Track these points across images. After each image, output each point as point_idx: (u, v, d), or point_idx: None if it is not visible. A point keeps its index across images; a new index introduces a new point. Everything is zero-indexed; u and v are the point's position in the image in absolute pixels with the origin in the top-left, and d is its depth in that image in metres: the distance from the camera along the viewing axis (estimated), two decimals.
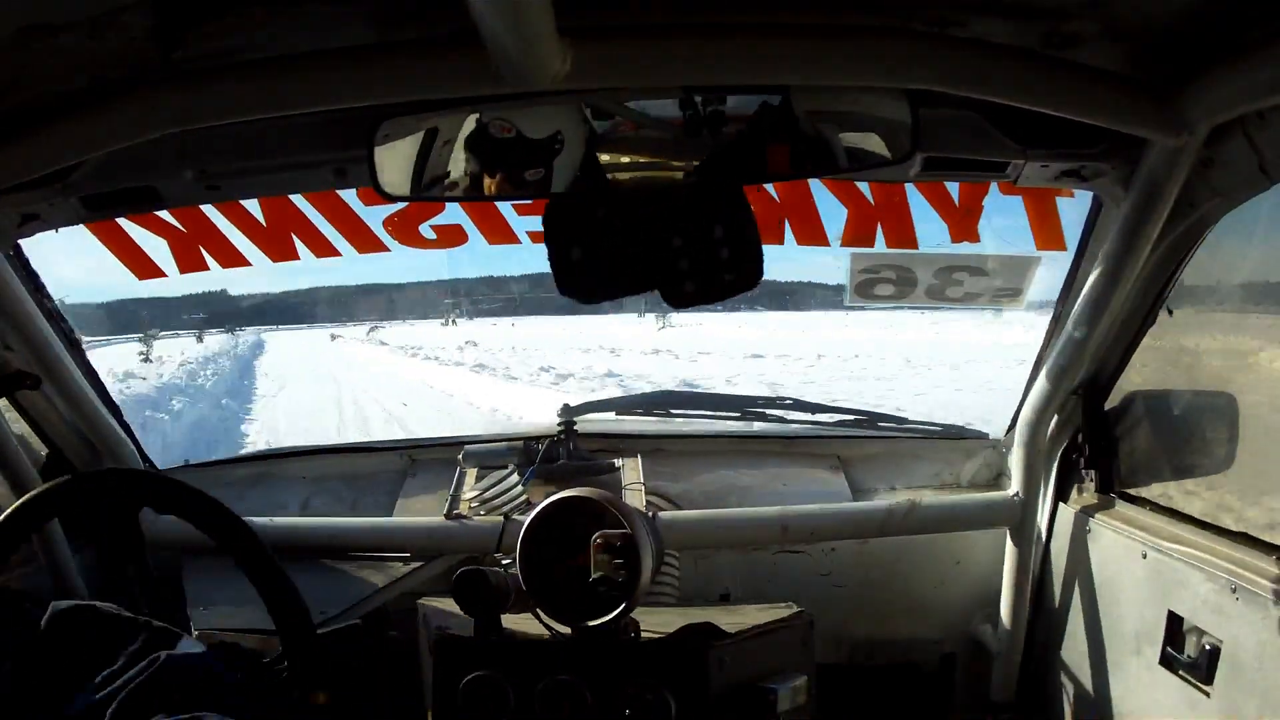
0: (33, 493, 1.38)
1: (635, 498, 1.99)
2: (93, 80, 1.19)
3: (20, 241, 1.62)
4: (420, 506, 2.07)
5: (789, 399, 2.36)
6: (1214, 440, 1.60)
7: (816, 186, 1.83)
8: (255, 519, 1.81)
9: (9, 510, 1.35)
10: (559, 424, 2.13)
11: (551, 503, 1.39)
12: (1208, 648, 1.41)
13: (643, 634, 1.44)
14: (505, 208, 1.89)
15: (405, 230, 1.93)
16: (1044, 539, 1.94)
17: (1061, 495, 1.92)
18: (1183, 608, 1.49)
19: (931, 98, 1.25)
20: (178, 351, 17.59)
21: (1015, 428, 1.94)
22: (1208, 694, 1.41)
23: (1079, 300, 1.64)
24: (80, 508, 1.77)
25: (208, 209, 1.80)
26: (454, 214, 1.92)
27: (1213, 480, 1.58)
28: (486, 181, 1.39)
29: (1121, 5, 1.09)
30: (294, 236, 1.89)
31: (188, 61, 1.17)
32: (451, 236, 1.94)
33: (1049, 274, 1.92)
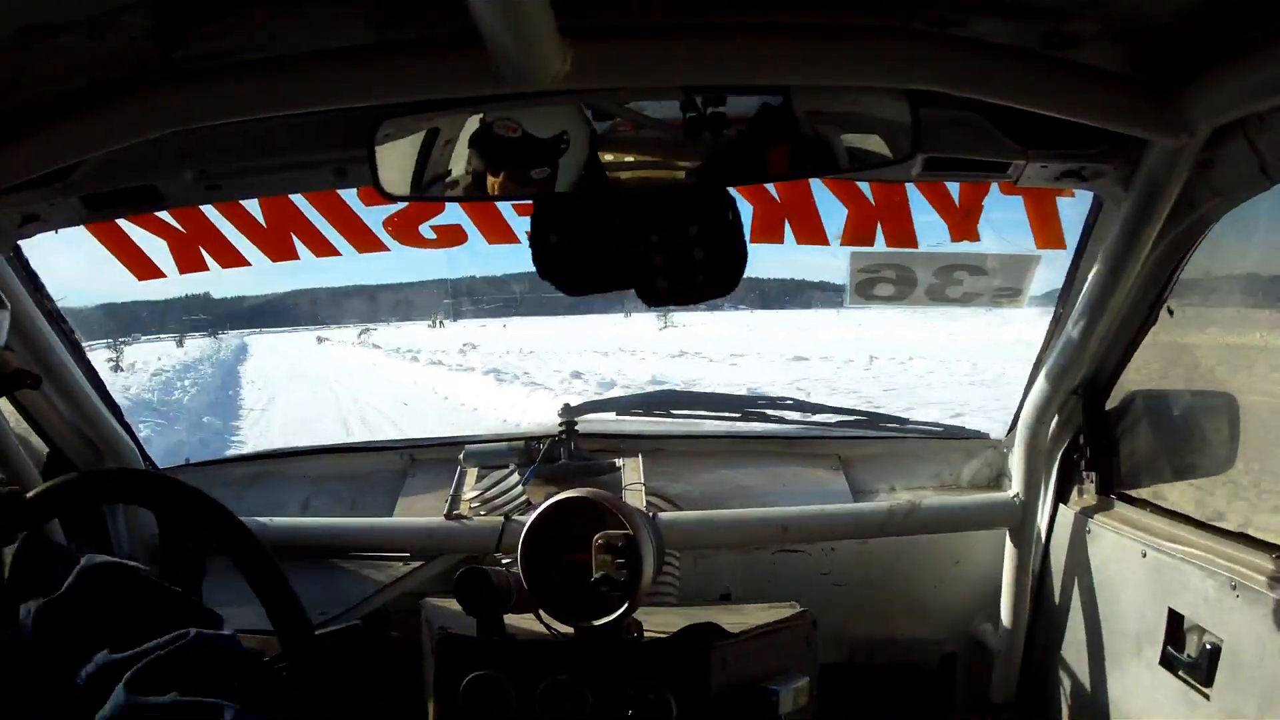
0: (32, 492, 1.38)
1: (635, 498, 1.99)
2: (93, 80, 1.19)
3: (20, 242, 1.62)
4: (420, 506, 2.07)
5: (789, 399, 2.37)
6: (1214, 440, 1.60)
7: (817, 186, 1.83)
8: (255, 519, 1.82)
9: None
10: (559, 424, 2.13)
11: (553, 503, 1.39)
12: (1208, 647, 1.41)
13: (645, 634, 1.44)
14: (505, 207, 1.89)
15: (405, 230, 1.93)
16: (1044, 539, 1.94)
17: (1061, 495, 1.92)
18: (1183, 607, 1.49)
19: (932, 98, 1.25)
20: (154, 358, 16.40)
21: (1015, 428, 1.95)
22: (1208, 694, 1.41)
23: (1079, 300, 1.64)
24: (80, 507, 1.77)
25: (207, 209, 1.80)
26: (454, 214, 1.92)
27: (1213, 480, 1.58)
28: (488, 181, 1.39)
29: (1121, 5, 1.09)
30: (294, 236, 1.89)
31: (188, 61, 1.17)
32: (451, 236, 1.94)
33: (1049, 274, 1.92)
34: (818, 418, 2.34)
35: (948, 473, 2.16)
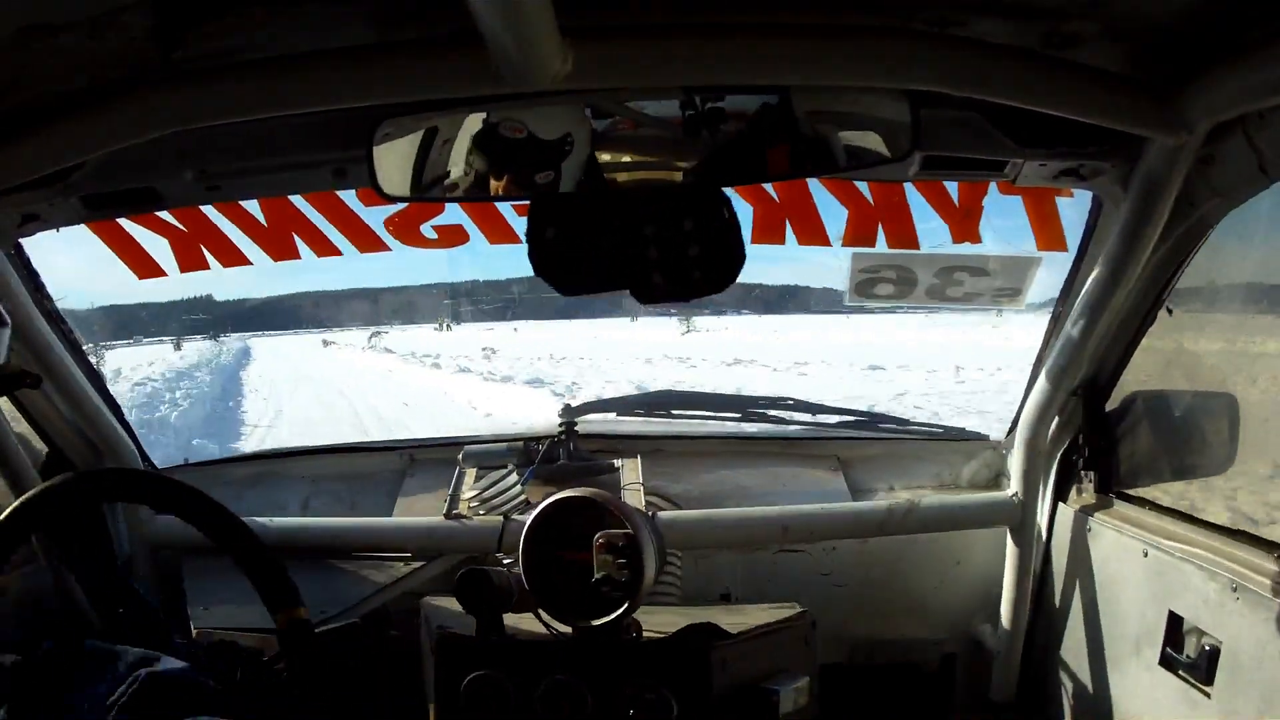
0: (32, 491, 1.38)
1: (635, 498, 1.99)
2: (93, 80, 1.19)
3: (20, 241, 1.62)
4: (420, 506, 2.07)
5: (789, 399, 2.37)
6: (1214, 440, 1.60)
7: (816, 187, 1.83)
8: (255, 519, 1.82)
9: (9, 509, 1.35)
10: (559, 424, 2.13)
11: (554, 501, 1.39)
12: (1208, 647, 1.41)
13: (644, 634, 1.44)
14: (505, 207, 1.89)
15: (406, 230, 1.93)
16: (1044, 539, 1.94)
17: (1061, 495, 1.92)
18: (1183, 607, 1.49)
19: (931, 98, 1.25)
20: (144, 364, 14.27)
21: (1015, 428, 1.94)
22: (1208, 694, 1.41)
23: (1079, 300, 1.64)
24: (80, 507, 1.77)
25: (208, 209, 1.80)
26: (454, 214, 1.92)
27: (1213, 480, 1.58)
28: (488, 182, 1.39)
29: (1121, 5, 1.09)
30: (295, 235, 1.89)
31: (188, 61, 1.17)
32: (452, 236, 1.94)
33: (1049, 274, 1.91)
34: (817, 418, 2.34)
35: (947, 473, 2.16)
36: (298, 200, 1.85)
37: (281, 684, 1.35)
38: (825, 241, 1.89)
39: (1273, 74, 1.05)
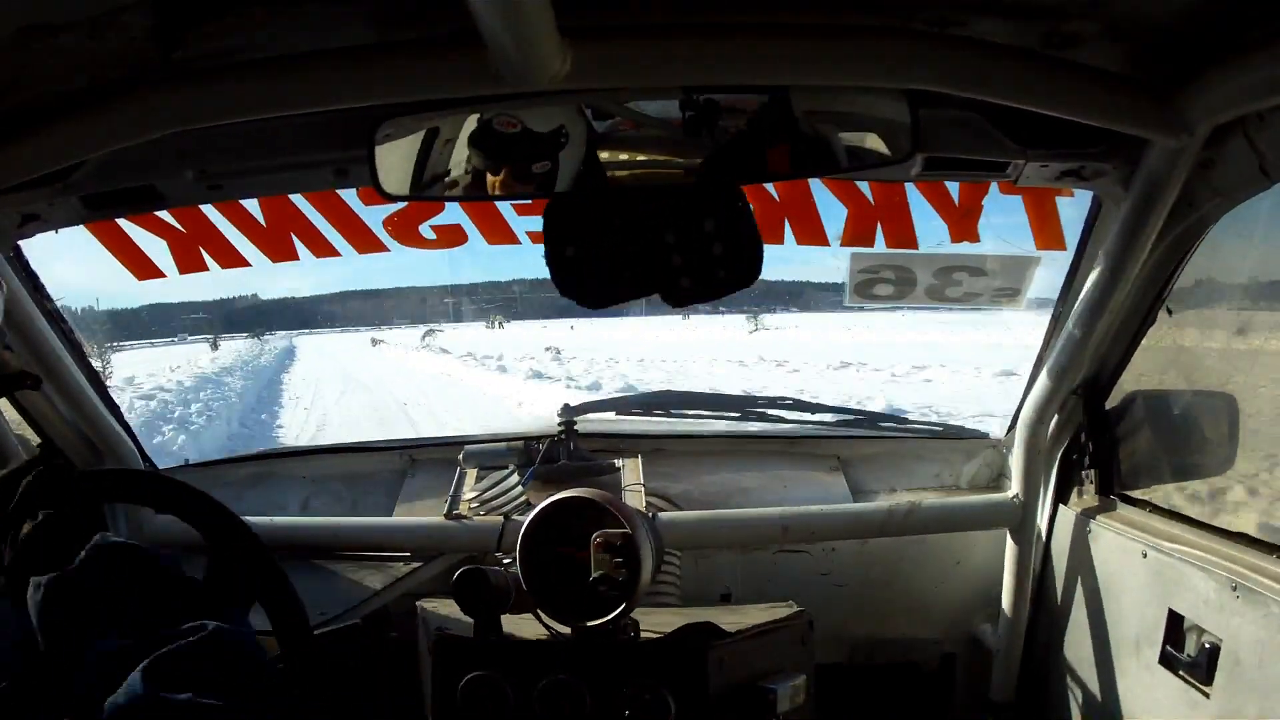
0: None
1: (635, 498, 1.99)
2: (93, 80, 1.19)
3: (20, 242, 1.63)
4: (420, 507, 2.07)
5: (789, 399, 2.37)
6: (1214, 440, 1.60)
7: (816, 187, 1.83)
8: (255, 519, 1.81)
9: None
10: (559, 424, 2.13)
11: (552, 503, 1.39)
12: (1208, 647, 1.41)
13: (642, 634, 1.44)
14: (505, 208, 1.89)
15: (405, 230, 1.93)
16: (1044, 539, 1.94)
17: (1061, 495, 1.92)
18: (1183, 607, 1.49)
19: (932, 98, 1.25)
20: (145, 373, 12.93)
21: (1015, 428, 1.95)
22: (1208, 694, 1.41)
23: (1079, 300, 1.64)
24: (79, 507, 1.76)
25: (207, 209, 1.80)
26: (454, 214, 1.92)
27: (1213, 480, 1.58)
28: (488, 181, 1.39)
29: (1121, 5, 1.09)
30: (293, 237, 1.89)
31: (188, 61, 1.17)
32: (451, 236, 1.94)
33: (1049, 274, 1.91)
34: (817, 417, 2.34)
35: (948, 473, 2.16)
36: (297, 200, 1.85)
37: (282, 684, 1.35)
38: (824, 241, 1.89)
39: (1273, 74, 1.05)
